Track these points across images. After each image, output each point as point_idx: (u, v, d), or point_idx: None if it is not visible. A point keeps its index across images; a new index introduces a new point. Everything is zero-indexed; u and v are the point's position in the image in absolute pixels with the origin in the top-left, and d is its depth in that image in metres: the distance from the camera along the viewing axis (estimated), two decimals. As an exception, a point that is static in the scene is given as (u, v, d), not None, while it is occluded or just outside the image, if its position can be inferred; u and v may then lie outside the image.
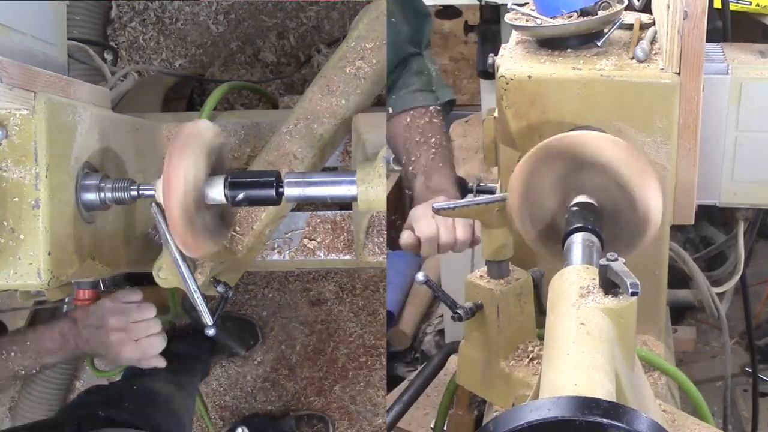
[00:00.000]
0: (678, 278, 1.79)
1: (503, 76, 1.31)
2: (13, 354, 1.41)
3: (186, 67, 2.62)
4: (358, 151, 1.49)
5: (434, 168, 1.55)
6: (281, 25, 2.60)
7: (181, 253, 1.27)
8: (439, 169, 1.56)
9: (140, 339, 1.46)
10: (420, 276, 1.26)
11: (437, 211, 1.26)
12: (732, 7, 1.53)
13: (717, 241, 2.06)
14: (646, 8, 1.51)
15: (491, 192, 1.59)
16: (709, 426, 1.24)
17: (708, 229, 2.28)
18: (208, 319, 1.33)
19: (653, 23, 1.43)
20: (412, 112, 1.61)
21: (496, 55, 1.41)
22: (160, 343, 1.50)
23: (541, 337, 1.04)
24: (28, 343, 1.42)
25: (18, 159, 1.15)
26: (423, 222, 1.45)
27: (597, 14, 1.33)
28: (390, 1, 1.62)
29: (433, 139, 1.58)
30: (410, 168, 1.57)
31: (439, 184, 1.54)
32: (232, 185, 1.25)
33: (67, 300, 1.62)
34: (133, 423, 1.57)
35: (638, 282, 0.87)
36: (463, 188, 1.60)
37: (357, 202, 1.27)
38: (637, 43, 1.33)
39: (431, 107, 1.62)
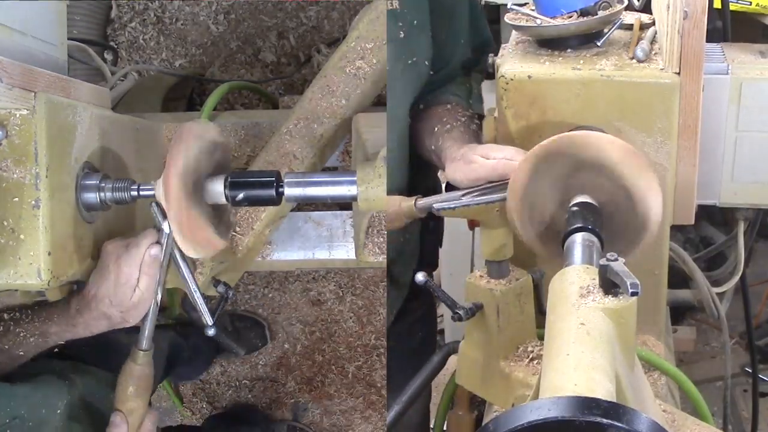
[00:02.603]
0: (678, 278, 1.79)
1: (503, 76, 1.31)
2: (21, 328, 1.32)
3: (186, 67, 2.62)
4: (358, 151, 1.49)
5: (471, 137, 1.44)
6: (281, 25, 2.60)
7: (181, 253, 1.27)
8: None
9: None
10: (420, 276, 1.26)
11: (438, 211, 1.26)
12: (732, 7, 1.53)
13: (717, 241, 2.06)
14: (646, 8, 1.51)
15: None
16: (709, 426, 1.24)
17: (708, 229, 2.28)
18: (208, 319, 1.33)
19: (653, 23, 1.43)
20: (448, 106, 1.52)
21: (496, 55, 1.41)
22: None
23: (541, 337, 1.04)
24: (37, 308, 1.34)
25: (18, 159, 1.15)
26: (494, 148, 1.30)
27: (597, 14, 1.33)
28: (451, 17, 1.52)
29: (471, 127, 1.47)
30: (445, 129, 1.44)
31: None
32: (232, 185, 1.25)
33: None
34: (87, 362, 1.45)
35: (638, 282, 0.87)
36: None
37: (357, 202, 1.27)
38: (637, 43, 1.33)
39: (469, 110, 1.53)
